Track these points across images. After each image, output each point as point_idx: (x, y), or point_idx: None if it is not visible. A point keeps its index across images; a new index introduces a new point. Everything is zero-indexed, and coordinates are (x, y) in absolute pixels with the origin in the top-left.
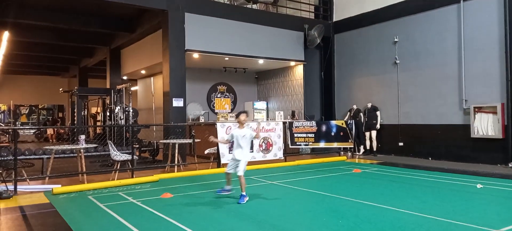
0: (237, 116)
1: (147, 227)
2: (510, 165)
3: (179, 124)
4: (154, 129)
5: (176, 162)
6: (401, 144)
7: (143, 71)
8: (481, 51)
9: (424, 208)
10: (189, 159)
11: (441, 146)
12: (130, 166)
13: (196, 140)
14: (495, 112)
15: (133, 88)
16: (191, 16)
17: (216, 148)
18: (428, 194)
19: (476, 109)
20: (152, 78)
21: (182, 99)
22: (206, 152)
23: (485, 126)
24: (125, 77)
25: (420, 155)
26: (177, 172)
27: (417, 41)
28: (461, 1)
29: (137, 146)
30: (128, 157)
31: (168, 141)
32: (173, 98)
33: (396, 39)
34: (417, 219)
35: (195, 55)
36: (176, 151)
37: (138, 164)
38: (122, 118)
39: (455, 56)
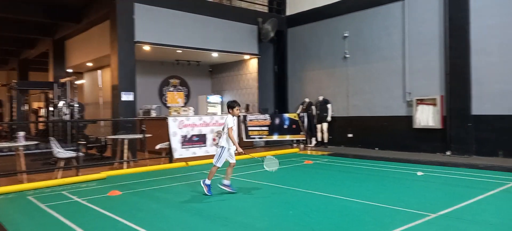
0: (233, 108)
1: (92, 227)
2: (448, 153)
3: (128, 119)
4: (102, 124)
5: (125, 158)
6: (350, 135)
7: (89, 64)
8: (423, 46)
9: (369, 195)
10: (140, 155)
11: (387, 136)
12: (76, 164)
13: (146, 135)
14: (435, 104)
15: (78, 82)
16: (141, 6)
17: (168, 143)
18: (374, 182)
19: (418, 102)
20: (99, 71)
21: (132, 93)
22: (157, 147)
23: (426, 117)
24: (70, 70)
25: (368, 146)
26: (126, 168)
27: (366, 36)
28: None
29: (84, 142)
30: (73, 154)
31: (116, 137)
32: (122, 92)
33: (346, 34)
34: (363, 207)
35: (146, 48)
36: (125, 147)
37: (85, 161)
38: (66, 113)
39: (400, 51)
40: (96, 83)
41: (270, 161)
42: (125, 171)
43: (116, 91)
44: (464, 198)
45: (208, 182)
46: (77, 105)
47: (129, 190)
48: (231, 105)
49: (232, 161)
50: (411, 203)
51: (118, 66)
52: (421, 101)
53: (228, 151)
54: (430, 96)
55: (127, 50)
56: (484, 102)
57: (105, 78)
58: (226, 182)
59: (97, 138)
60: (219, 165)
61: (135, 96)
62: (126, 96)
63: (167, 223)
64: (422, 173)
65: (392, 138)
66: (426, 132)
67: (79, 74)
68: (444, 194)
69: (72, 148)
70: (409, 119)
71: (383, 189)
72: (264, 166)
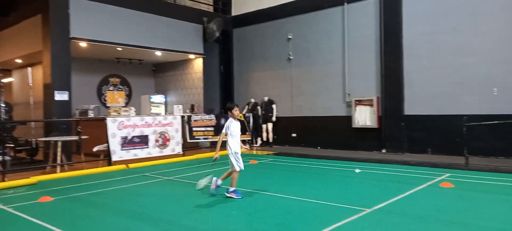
0: (231, 109)
1: None
2: (383, 151)
3: (62, 120)
4: (33, 126)
5: (58, 162)
6: (294, 135)
7: (19, 61)
8: (361, 49)
9: (311, 193)
10: (76, 158)
11: (328, 135)
12: (1, 168)
13: (83, 137)
14: (371, 105)
15: (6, 80)
16: (77, 0)
17: (106, 144)
18: (315, 181)
19: (357, 102)
20: (30, 68)
21: (67, 92)
22: (95, 149)
23: (364, 117)
24: None
25: (310, 145)
26: (60, 172)
27: (309, 39)
28: (345, 3)
29: (12, 145)
30: None
31: (49, 139)
32: (56, 91)
33: (290, 36)
34: (305, 204)
35: (83, 44)
36: (59, 149)
37: (13, 165)
38: None
39: (340, 54)
40: (27, 81)
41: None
42: (58, 175)
43: (49, 90)
44: (396, 193)
45: (232, 189)
46: (4, 105)
47: (63, 195)
48: (229, 108)
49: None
50: (349, 199)
51: (51, 63)
52: (359, 102)
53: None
54: (367, 97)
55: (61, 47)
56: (415, 103)
57: (37, 76)
58: (219, 182)
59: (27, 140)
60: (238, 169)
61: (70, 96)
62: (60, 96)
63: (102, 229)
64: (359, 170)
65: (333, 137)
66: (364, 131)
67: (7, 71)
68: (379, 189)
69: None
70: (348, 119)
71: (324, 187)
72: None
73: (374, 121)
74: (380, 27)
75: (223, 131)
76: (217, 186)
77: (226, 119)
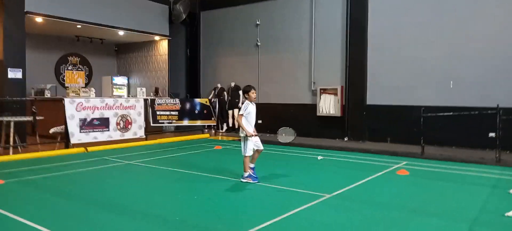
0: (247, 92)
1: None
2: (345, 139)
3: (15, 99)
4: None
5: (11, 143)
6: (260, 121)
7: None
8: (328, 40)
9: (273, 179)
10: (30, 140)
11: (293, 123)
12: None
13: (38, 118)
14: (336, 94)
15: None
16: None
17: (63, 126)
18: (278, 167)
19: (322, 91)
20: None
21: (21, 70)
22: (51, 131)
23: (328, 106)
24: None
25: (275, 131)
26: (12, 154)
27: (277, 26)
28: None
29: None
30: None
31: (1, 118)
32: (9, 69)
33: (258, 22)
34: (266, 190)
35: (39, 19)
36: (11, 130)
37: None
38: None
39: (307, 43)
40: None
41: (286, 132)
42: (11, 157)
43: (1, 67)
44: (355, 179)
45: (246, 174)
46: None
47: (14, 178)
48: (245, 90)
49: (260, 147)
50: (310, 185)
51: (4, 39)
52: (324, 91)
53: (251, 139)
54: (332, 87)
55: (15, 22)
56: (377, 94)
57: None
58: (251, 164)
59: None
60: (247, 154)
61: (24, 74)
62: (14, 74)
63: (59, 215)
64: (322, 157)
65: (298, 125)
66: (328, 119)
67: None
68: (339, 176)
69: None
70: (313, 107)
71: (286, 173)
72: (279, 138)
73: (337, 110)
74: (347, 19)
75: (242, 112)
76: (249, 175)
77: (191, 103)
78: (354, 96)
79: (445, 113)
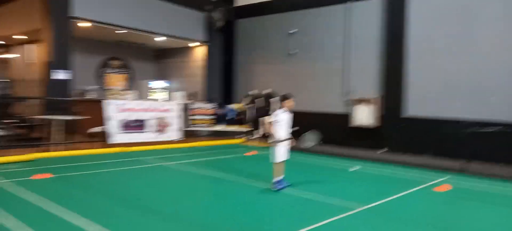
0: (284, 99)
1: (13, 210)
2: (381, 151)
3: (60, 99)
4: (32, 104)
5: (55, 140)
6: (297, 128)
7: (19, 37)
8: (363, 48)
9: (301, 189)
10: (73, 138)
11: (326, 132)
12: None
13: (81, 117)
14: (371, 104)
15: (7, 56)
16: None
17: (102, 127)
18: (309, 176)
19: (357, 101)
20: (29, 45)
21: (66, 71)
22: (91, 130)
23: (363, 116)
24: None
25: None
26: (56, 151)
27: (312, 35)
28: (348, 1)
29: (11, 121)
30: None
31: (47, 117)
32: (55, 70)
33: (293, 31)
34: (293, 200)
35: (84, 24)
36: (57, 128)
37: (10, 141)
38: None
39: (340, 52)
40: (28, 58)
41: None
42: (54, 153)
43: (48, 68)
44: (389, 193)
45: (275, 180)
46: (3, 80)
47: (56, 174)
48: (284, 98)
49: (285, 157)
50: (341, 197)
51: (51, 42)
52: (359, 101)
53: (283, 146)
54: (367, 97)
55: (61, 26)
56: (415, 105)
57: (37, 54)
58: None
59: (26, 117)
60: (277, 160)
61: (70, 76)
62: (60, 75)
63: (90, 210)
64: (354, 169)
65: (332, 134)
66: (363, 130)
67: (8, 47)
68: (372, 189)
69: None
70: (347, 117)
71: (319, 183)
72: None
73: (373, 120)
74: (384, 27)
75: (271, 119)
76: (278, 182)
77: (224, 109)
78: (391, 107)
79: (490, 129)
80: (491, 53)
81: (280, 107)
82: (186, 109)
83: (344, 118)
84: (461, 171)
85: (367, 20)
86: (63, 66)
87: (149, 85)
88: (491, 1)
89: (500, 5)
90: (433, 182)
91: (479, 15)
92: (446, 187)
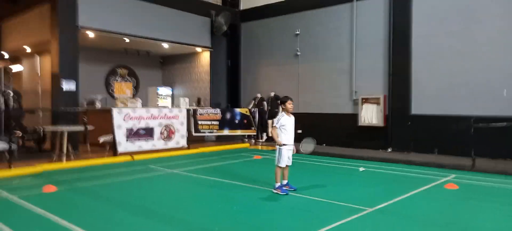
0: (284, 102)
1: (21, 226)
2: (389, 150)
3: (69, 109)
4: (41, 115)
5: (64, 151)
6: (299, 131)
7: (28, 49)
8: (369, 47)
9: (312, 191)
10: (82, 148)
11: (334, 133)
12: (8, 156)
13: (89, 127)
14: (378, 103)
15: (15, 68)
16: None
17: (111, 136)
18: (318, 178)
19: (363, 100)
20: (38, 57)
21: (74, 82)
22: (101, 140)
23: (370, 115)
24: (5, 55)
25: (316, 142)
26: (66, 162)
27: (317, 35)
28: (354, 1)
29: (20, 133)
30: (5, 146)
31: (56, 128)
32: (63, 81)
33: (297, 32)
34: (304, 202)
35: (90, 34)
36: (65, 139)
37: (20, 154)
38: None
39: (347, 51)
40: (35, 70)
41: (307, 143)
42: (64, 164)
43: (56, 79)
44: (399, 193)
45: (277, 185)
46: (12, 93)
47: (67, 186)
48: (282, 101)
49: (289, 163)
50: (350, 198)
51: (59, 53)
52: (366, 100)
53: (287, 150)
54: (374, 96)
55: (69, 36)
56: (422, 103)
57: (45, 65)
58: (284, 181)
59: (35, 129)
60: (281, 165)
61: (77, 86)
62: (68, 85)
63: (104, 221)
64: (363, 169)
65: (339, 135)
66: (370, 129)
67: (16, 59)
68: (382, 189)
69: (5, 140)
70: (354, 117)
71: (327, 185)
72: (302, 149)
73: (380, 120)
74: (389, 26)
75: (275, 124)
76: (283, 186)
77: (232, 113)
78: (398, 105)
79: (498, 124)
80: (504, 49)
81: (281, 111)
82: (192, 115)
83: (352, 118)
84: (469, 168)
85: (373, 19)
86: (71, 76)
87: (158, 92)
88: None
89: (504, 3)
90: (444, 180)
91: (482, 13)
92: (455, 185)
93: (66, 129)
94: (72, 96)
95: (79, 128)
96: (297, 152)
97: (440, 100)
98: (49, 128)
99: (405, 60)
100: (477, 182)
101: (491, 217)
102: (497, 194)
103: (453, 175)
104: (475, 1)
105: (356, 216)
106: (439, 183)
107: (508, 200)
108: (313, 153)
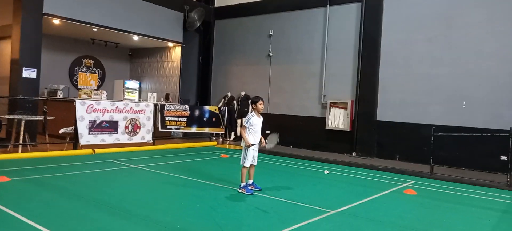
0: (255, 102)
1: None
2: (353, 154)
3: (28, 98)
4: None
5: (21, 141)
6: (268, 132)
7: None
8: (340, 53)
9: (277, 192)
10: (40, 139)
11: (301, 135)
12: None
13: (49, 117)
14: (345, 108)
15: None
16: None
17: (73, 127)
18: (284, 179)
19: (332, 104)
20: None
21: (35, 69)
22: (61, 131)
23: (338, 120)
24: None
25: (283, 143)
26: (22, 153)
27: (290, 38)
28: (328, 5)
29: None
30: None
31: (12, 116)
32: (24, 68)
33: (271, 33)
34: (269, 202)
35: (56, 21)
36: (22, 128)
37: None
38: None
39: (319, 55)
40: None
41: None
42: (20, 155)
43: (16, 66)
44: (361, 196)
45: (242, 185)
46: None
47: (21, 177)
48: (253, 100)
49: (254, 162)
50: (315, 200)
51: (21, 39)
52: (334, 104)
53: (253, 150)
54: (342, 100)
55: (32, 22)
56: (387, 109)
57: (5, 51)
58: (249, 181)
59: None
60: (245, 164)
61: (39, 74)
62: (28, 73)
63: (56, 213)
64: (328, 172)
65: (306, 137)
66: (337, 133)
67: None
68: (345, 192)
69: None
70: (322, 120)
71: (291, 186)
72: (267, 146)
73: (347, 124)
74: (360, 32)
75: (244, 124)
76: (248, 185)
77: (201, 111)
78: (364, 111)
79: (456, 134)
80: (465, 60)
81: (251, 111)
82: (160, 110)
83: (320, 121)
84: (427, 175)
85: (345, 24)
86: (33, 64)
87: (125, 85)
88: (470, 8)
89: (481, 11)
90: (403, 185)
91: (455, 22)
92: (414, 191)
93: (23, 118)
94: (32, 84)
95: (38, 118)
96: (260, 150)
97: (403, 107)
98: (5, 116)
99: (373, 66)
100: (434, 189)
101: (445, 221)
102: (452, 200)
103: (412, 181)
104: (443, 11)
105: (318, 217)
106: (399, 188)
107: (462, 206)
108: (277, 150)
